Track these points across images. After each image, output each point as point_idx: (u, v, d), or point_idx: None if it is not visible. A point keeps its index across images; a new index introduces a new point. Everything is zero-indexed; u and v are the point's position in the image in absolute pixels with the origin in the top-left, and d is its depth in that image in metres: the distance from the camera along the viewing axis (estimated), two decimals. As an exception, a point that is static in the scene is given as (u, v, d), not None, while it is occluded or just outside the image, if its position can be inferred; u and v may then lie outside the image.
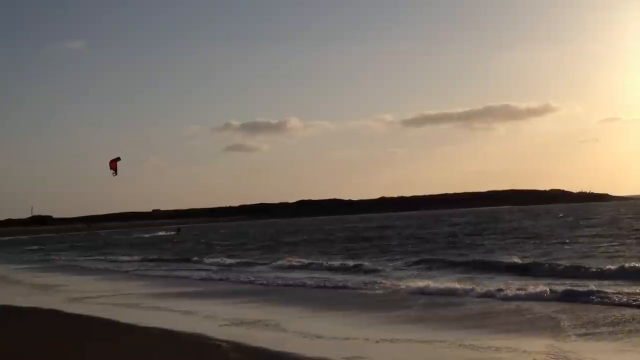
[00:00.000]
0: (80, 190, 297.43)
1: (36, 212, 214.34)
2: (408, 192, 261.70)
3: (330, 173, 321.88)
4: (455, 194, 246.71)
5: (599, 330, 11.84)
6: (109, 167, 24.63)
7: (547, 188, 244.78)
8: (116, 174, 24.53)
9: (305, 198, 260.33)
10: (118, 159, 24.86)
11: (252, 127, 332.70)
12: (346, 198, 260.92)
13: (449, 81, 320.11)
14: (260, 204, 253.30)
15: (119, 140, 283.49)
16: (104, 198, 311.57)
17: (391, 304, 16.78)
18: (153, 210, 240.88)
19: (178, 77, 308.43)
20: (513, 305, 15.27)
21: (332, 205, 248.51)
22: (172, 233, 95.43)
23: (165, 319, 15.32)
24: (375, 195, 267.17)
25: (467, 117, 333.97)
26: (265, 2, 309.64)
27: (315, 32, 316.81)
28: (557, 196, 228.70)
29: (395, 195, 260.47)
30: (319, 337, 12.29)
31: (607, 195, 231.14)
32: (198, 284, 24.57)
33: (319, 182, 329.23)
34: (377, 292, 19.24)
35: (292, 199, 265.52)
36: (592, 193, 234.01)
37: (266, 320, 14.39)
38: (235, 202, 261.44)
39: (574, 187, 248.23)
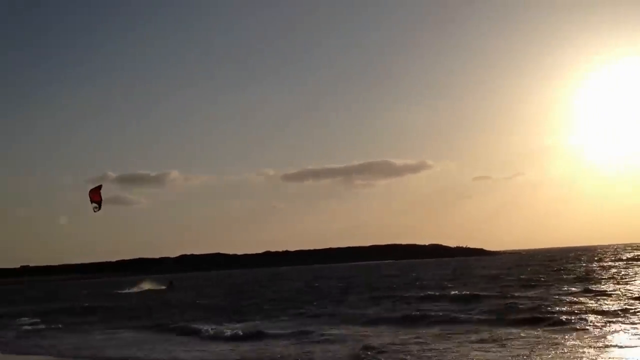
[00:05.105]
0: None
1: None
2: (293, 247, 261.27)
3: (213, 227, 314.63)
4: (339, 248, 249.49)
5: None
6: (89, 201, 20.67)
7: (427, 243, 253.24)
8: (99, 209, 20.73)
9: (188, 252, 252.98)
10: (99, 187, 20.99)
11: (130, 180, 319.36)
12: (230, 252, 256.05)
13: (329, 137, 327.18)
14: (140, 258, 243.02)
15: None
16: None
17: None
18: (21, 266, 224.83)
19: (50, 122, 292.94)
20: None
21: (216, 259, 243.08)
22: (163, 287, 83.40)
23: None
24: (260, 249, 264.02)
25: (348, 173, 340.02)
26: (149, 51, 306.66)
27: (196, 85, 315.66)
28: (436, 251, 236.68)
29: (280, 249, 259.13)
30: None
31: (482, 250, 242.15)
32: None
33: (201, 236, 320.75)
34: None
35: (173, 253, 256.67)
36: (469, 248, 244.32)
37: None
38: (113, 257, 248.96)
39: (451, 242, 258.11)
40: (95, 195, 21.13)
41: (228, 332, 26.49)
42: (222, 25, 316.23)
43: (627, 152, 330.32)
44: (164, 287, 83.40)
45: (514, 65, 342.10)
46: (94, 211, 21.17)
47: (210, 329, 27.65)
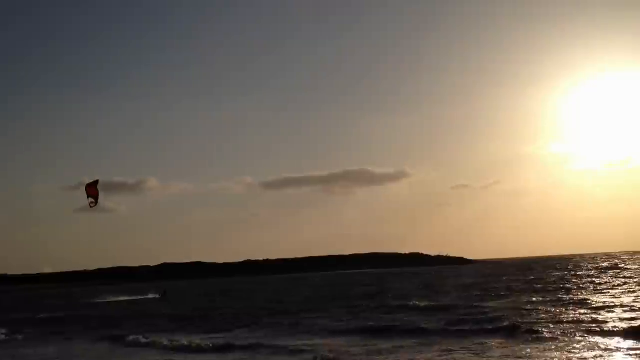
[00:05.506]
0: None
1: None
2: (273, 255, 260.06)
3: (192, 235, 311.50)
4: (319, 257, 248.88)
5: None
6: (86, 196, 19.88)
7: (407, 251, 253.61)
8: (96, 204, 19.98)
9: (168, 261, 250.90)
10: (96, 182, 20.25)
11: (108, 187, 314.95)
12: (210, 261, 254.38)
13: (308, 145, 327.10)
14: (120, 267, 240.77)
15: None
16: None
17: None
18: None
19: (25, 128, 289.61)
20: None
21: (197, 268, 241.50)
22: (156, 296, 79.42)
23: None
24: (240, 258, 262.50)
25: (327, 181, 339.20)
26: (127, 59, 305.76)
27: (173, 92, 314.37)
28: (416, 259, 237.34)
29: (260, 258, 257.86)
30: None
31: (462, 258, 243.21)
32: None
33: (181, 244, 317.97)
34: None
35: (153, 262, 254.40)
36: (449, 256, 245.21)
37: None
38: (92, 266, 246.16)
39: (431, 250, 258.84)
40: (92, 190, 20.52)
41: (197, 344, 26.19)
42: (201, 34, 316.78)
43: (605, 162, 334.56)
44: (157, 296, 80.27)
45: (494, 75, 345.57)
46: (90, 206, 20.54)
47: (179, 341, 27.33)
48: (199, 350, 24.95)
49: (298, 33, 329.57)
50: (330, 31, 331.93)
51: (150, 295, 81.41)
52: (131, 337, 28.62)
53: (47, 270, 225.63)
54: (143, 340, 28.09)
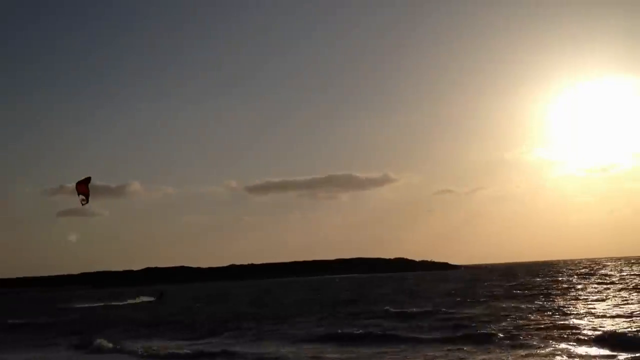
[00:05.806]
0: None
1: None
2: (258, 260, 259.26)
3: (177, 240, 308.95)
4: (304, 262, 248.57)
5: None
6: (76, 193, 19.72)
7: (392, 256, 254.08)
8: (87, 202, 19.80)
9: (152, 265, 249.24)
10: (88, 179, 20.11)
11: (90, 191, 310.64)
12: (195, 265, 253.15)
13: (293, 149, 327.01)
14: (104, 271, 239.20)
15: None
16: None
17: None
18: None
19: (6, 131, 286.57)
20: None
21: (181, 272, 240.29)
22: (151, 299, 78.38)
23: None
24: (224, 262, 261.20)
25: (312, 186, 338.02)
26: (110, 61, 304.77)
27: (158, 96, 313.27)
28: (401, 264, 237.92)
29: (245, 262, 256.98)
30: None
31: (446, 264, 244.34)
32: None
33: (165, 248, 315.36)
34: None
35: (137, 266, 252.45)
36: (433, 262, 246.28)
37: None
38: (75, 270, 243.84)
39: (416, 255, 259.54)
40: (83, 188, 20.35)
41: (170, 351, 26.04)
42: (185, 38, 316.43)
43: (589, 168, 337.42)
44: (152, 299, 79.33)
45: (479, 80, 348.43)
46: (82, 204, 20.42)
47: (152, 347, 27.15)
48: (171, 356, 24.82)
49: (283, 39, 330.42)
50: (314, 37, 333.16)
51: (146, 298, 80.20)
52: (105, 343, 28.46)
53: (29, 274, 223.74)
54: (117, 347, 27.92)
